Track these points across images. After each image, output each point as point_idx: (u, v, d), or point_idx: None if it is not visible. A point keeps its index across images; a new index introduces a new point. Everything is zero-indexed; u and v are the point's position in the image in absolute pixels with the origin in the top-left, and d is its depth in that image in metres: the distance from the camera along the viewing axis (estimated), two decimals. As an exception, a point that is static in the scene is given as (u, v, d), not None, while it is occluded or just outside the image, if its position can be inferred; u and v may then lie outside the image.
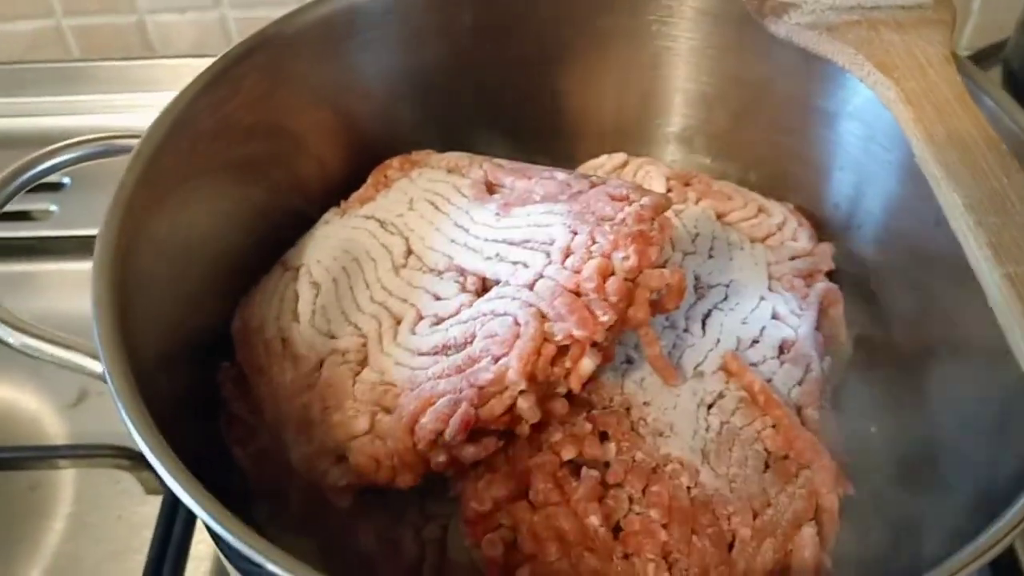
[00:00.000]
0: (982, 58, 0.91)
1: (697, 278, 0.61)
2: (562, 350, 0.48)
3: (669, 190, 0.68)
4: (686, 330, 0.58)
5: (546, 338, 0.48)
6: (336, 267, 0.61)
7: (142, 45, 0.99)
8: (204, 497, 0.44)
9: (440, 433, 0.47)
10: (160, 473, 0.44)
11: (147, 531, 0.67)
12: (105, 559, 0.69)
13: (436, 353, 0.51)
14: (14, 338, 0.53)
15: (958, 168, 0.47)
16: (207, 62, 0.64)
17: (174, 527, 0.67)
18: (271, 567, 0.41)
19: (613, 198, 0.52)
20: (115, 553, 0.69)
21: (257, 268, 0.66)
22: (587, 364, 0.48)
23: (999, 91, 0.56)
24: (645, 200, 0.51)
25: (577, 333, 0.47)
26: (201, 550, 0.68)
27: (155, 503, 0.69)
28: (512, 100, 0.74)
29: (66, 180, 0.92)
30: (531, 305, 0.49)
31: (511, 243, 0.54)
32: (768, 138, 0.71)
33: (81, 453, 0.72)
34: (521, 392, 0.47)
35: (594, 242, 0.50)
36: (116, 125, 0.94)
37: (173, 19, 0.97)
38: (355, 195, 0.68)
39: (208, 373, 0.63)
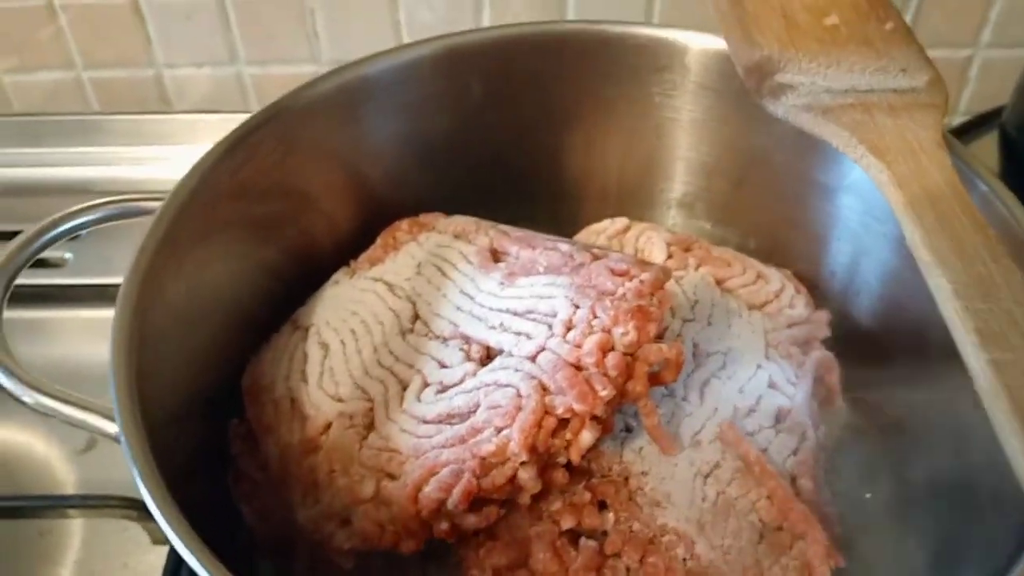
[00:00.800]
0: (979, 124, 0.93)
1: (696, 346, 0.62)
2: (563, 422, 0.50)
3: (670, 256, 0.69)
4: (684, 399, 0.59)
5: (547, 411, 0.49)
6: (345, 329, 0.63)
7: (159, 99, 1.01)
8: (207, 558, 0.45)
9: (443, 502, 0.48)
10: (166, 533, 0.45)
11: (151, 581, 0.68)
12: (110, 607, 0.70)
13: (440, 422, 0.52)
14: (29, 397, 0.55)
15: (946, 253, 0.48)
16: (223, 117, 0.65)
17: (179, 577, 0.68)
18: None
19: (614, 272, 0.54)
20: (120, 601, 0.70)
21: (268, 326, 0.67)
22: (587, 437, 0.50)
23: (991, 176, 0.57)
24: (645, 276, 0.53)
25: (577, 407, 0.49)
26: (205, 601, 0.69)
27: (161, 553, 0.70)
28: (519, 164, 0.76)
29: (82, 229, 0.94)
30: (533, 377, 0.50)
31: (515, 313, 0.55)
32: (767, 206, 0.73)
33: (91, 503, 0.73)
34: (522, 463, 0.49)
35: (595, 316, 0.51)
36: (133, 177, 0.96)
37: (190, 73, 0.99)
38: (364, 255, 0.69)
39: (219, 429, 0.64)
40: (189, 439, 0.59)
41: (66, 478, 0.77)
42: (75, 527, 0.74)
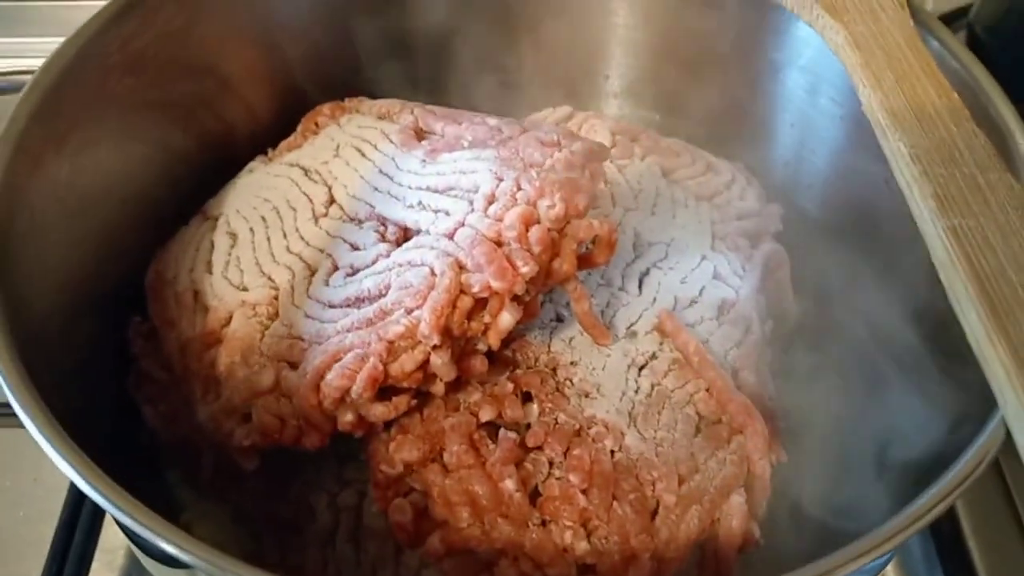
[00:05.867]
0: (947, 23, 0.89)
1: (637, 235, 0.58)
2: (480, 303, 0.45)
3: (614, 145, 0.65)
4: (621, 288, 0.55)
5: (463, 290, 0.45)
6: (255, 216, 0.58)
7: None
8: (85, 465, 0.42)
9: (346, 390, 0.44)
10: (28, 428, 0.41)
11: (64, 494, 0.64)
12: (20, 523, 0.66)
13: (348, 305, 0.48)
14: None
15: (905, 116, 0.44)
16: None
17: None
18: (163, 543, 0.38)
19: (543, 144, 0.49)
20: (29, 517, 0.66)
21: (179, 218, 0.62)
22: (506, 319, 0.45)
23: (951, 38, 0.53)
24: (576, 146, 0.48)
25: (495, 284, 0.44)
26: (117, 514, 0.65)
27: (72, 465, 0.66)
28: (454, 48, 0.70)
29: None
30: (449, 255, 0.46)
31: (435, 191, 0.50)
32: (718, 92, 0.68)
33: (-8, 412, 0.69)
34: (434, 347, 0.44)
35: (519, 189, 0.46)
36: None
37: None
38: (284, 143, 0.65)
39: (121, 328, 0.59)
40: (81, 338, 0.54)
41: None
42: (-18, 441, 0.70)
